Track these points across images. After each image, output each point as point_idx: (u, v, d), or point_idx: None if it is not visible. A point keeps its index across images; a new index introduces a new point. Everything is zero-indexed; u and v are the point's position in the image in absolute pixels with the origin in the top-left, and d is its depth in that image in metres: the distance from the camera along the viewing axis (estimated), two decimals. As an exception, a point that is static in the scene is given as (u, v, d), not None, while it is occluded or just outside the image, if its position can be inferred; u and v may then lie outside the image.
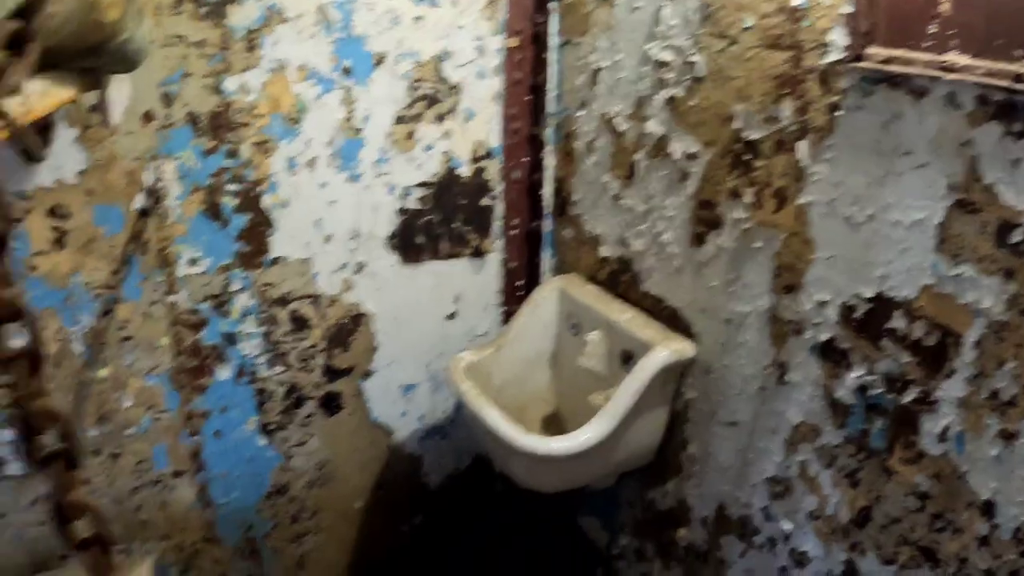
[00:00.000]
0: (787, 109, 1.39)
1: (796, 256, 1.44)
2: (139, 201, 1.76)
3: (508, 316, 2.28)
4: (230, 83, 1.75)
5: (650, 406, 1.75)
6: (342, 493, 2.31)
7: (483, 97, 2.02)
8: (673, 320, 1.79)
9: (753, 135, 1.47)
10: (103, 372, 1.88)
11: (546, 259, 2.29)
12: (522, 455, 1.71)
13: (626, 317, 1.85)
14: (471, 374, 1.93)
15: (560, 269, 2.24)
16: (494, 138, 2.08)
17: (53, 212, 1.70)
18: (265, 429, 2.11)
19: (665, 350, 1.71)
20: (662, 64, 1.66)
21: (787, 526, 1.61)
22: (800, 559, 1.59)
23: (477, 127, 2.04)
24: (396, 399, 2.27)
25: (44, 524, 1.92)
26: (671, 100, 1.65)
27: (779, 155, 1.43)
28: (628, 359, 1.80)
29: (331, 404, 2.18)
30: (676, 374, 1.76)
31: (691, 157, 1.63)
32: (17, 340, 0.82)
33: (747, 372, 1.62)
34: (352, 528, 2.39)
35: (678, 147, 1.66)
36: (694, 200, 1.65)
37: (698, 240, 1.67)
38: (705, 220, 1.64)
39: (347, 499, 2.34)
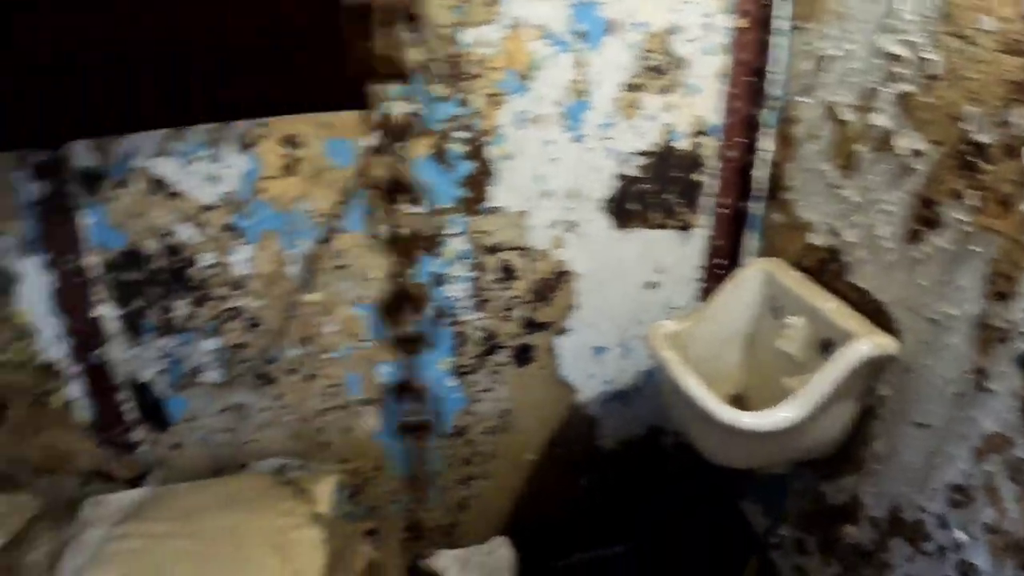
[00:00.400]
0: (1019, 115, 1.41)
1: (1013, 264, 1.45)
2: (371, 139, 1.91)
3: (706, 292, 2.37)
4: (468, 35, 1.88)
5: (844, 397, 1.80)
6: (517, 444, 2.46)
7: (707, 74, 2.09)
8: (877, 314, 1.82)
9: (983, 138, 1.49)
10: (314, 296, 2.07)
11: (750, 240, 2.34)
12: (716, 426, 1.78)
13: (830, 306, 1.90)
14: (670, 343, 2.02)
15: (764, 252, 2.29)
16: (714, 116, 2.15)
17: (287, 141, 1.88)
18: (457, 371, 2.27)
19: (868, 343, 1.74)
20: (894, 58, 1.68)
21: (961, 536, 1.63)
22: (967, 571, 1.62)
23: (699, 103, 2.13)
24: (586, 359, 2.39)
25: (231, 431, 2.16)
26: (902, 95, 1.67)
27: (1008, 161, 1.44)
28: (827, 347, 1.84)
29: (523, 356, 2.32)
30: (873, 369, 1.79)
31: (917, 154, 1.65)
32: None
33: (947, 375, 1.63)
34: (520, 479, 2.54)
35: (904, 143, 1.68)
36: (915, 197, 1.67)
37: (914, 237, 1.69)
38: (924, 218, 1.65)
39: (521, 450, 2.48)
